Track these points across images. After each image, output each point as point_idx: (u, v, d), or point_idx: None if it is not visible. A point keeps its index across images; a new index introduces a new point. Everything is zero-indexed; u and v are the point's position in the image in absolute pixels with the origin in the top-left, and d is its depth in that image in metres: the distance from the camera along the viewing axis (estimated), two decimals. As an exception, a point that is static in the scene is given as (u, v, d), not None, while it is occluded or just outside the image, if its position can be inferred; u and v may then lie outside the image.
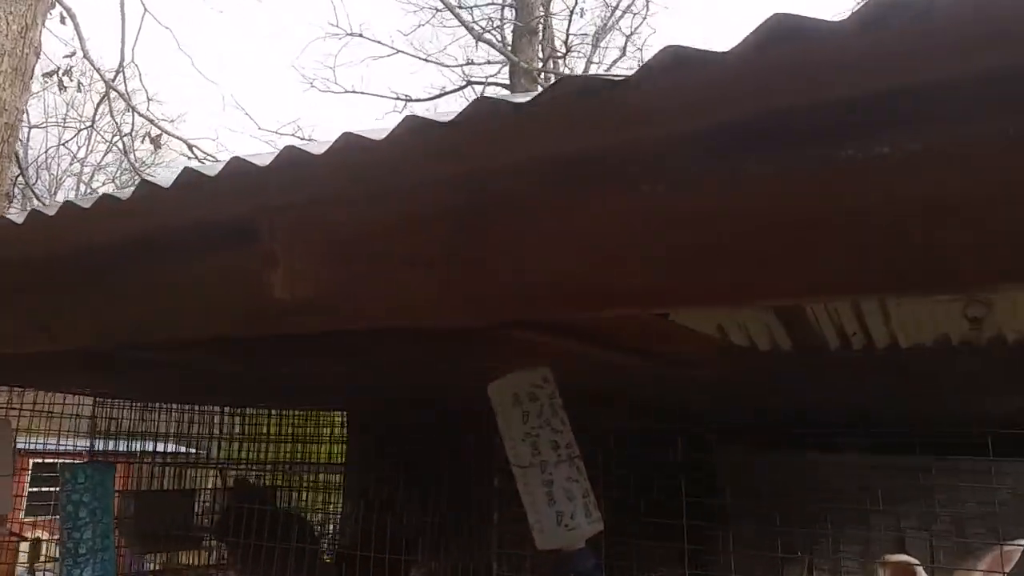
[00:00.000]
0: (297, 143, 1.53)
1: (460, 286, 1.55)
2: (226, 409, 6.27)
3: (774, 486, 4.27)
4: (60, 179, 23.24)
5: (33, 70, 6.92)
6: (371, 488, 5.33)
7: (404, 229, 1.64)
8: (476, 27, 14.70)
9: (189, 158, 11.37)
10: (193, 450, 6.27)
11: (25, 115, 6.91)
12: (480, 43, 15.41)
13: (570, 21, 15.27)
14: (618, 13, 15.21)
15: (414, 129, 1.30)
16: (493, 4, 15.70)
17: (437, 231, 1.59)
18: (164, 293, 2.12)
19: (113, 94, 10.61)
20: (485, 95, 1.24)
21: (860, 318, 2.66)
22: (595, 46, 15.64)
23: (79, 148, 22.66)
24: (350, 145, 1.39)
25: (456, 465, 4.81)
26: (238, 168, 1.55)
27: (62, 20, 9.03)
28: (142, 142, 11.26)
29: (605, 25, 15.48)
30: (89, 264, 2.24)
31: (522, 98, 1.20)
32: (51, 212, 1.91)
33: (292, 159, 1.48)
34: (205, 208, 1.79)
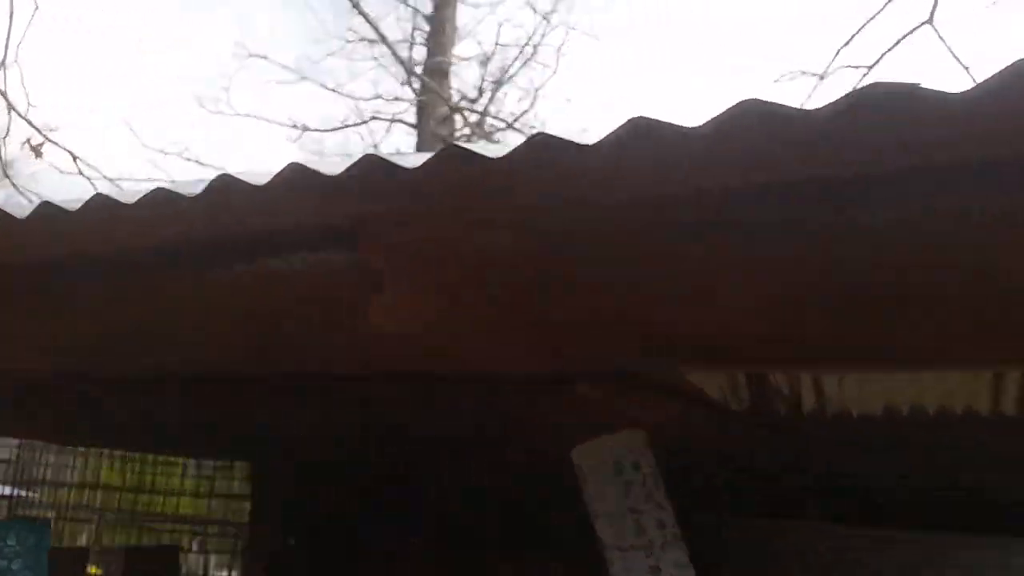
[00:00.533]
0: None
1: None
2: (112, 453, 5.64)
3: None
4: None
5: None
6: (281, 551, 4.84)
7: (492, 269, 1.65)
8: (402, 60, 14.35)
9: (64, 172, 10.52)
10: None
11: None
12: (390, 77, 15.11)
13: (487, 66, 15.17)
14: (519, 62, 15.19)
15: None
16: (404, 41, 15.46)
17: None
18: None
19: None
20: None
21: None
22: (496, 91, 15.55)
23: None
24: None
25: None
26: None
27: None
28: (21, 149, 10.31)
29: (506, 72, 15.43)
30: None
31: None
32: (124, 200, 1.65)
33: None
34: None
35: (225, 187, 1.51)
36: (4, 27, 10.50)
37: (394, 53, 14.95)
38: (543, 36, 14.84)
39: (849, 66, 8.13)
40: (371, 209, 1.59)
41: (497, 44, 15.25)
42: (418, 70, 15.31)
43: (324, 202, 1.56)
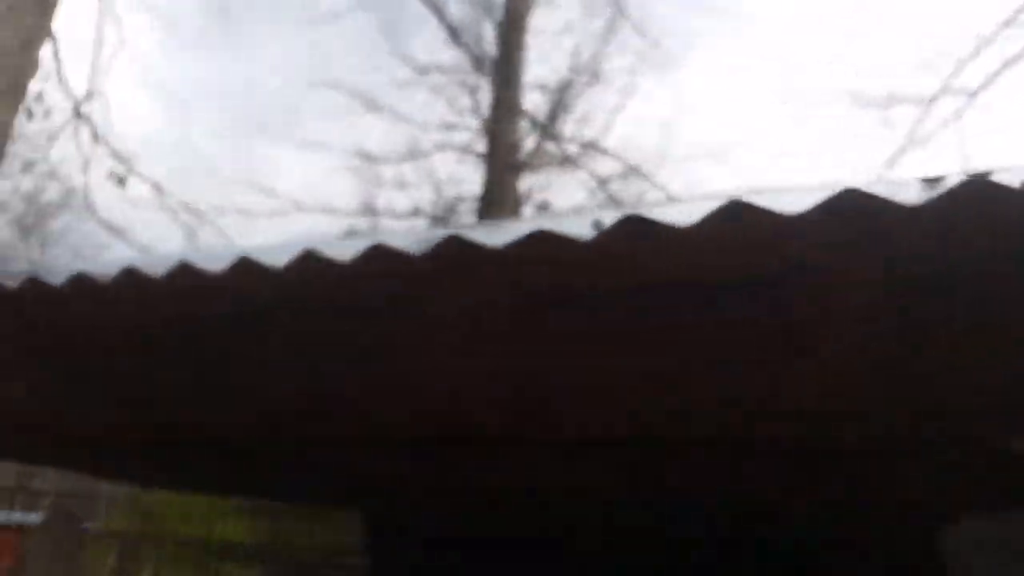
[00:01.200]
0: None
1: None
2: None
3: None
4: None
5: (27, 88, 6.08)
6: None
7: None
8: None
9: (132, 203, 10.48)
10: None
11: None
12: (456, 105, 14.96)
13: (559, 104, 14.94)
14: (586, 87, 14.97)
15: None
16: (472, 70, 15.30)
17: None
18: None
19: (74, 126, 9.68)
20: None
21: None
22: (563, 117, 15.31)
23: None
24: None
25: None
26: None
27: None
28: (107, 180, 10.28)
29: (573, 97, 15.21)
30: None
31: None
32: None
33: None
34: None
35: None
36: (91, 58, 10.47)
37: (478, 68, 14.79)
38: (607, 60, 14.68)
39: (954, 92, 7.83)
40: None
41: (569, 71, 15.07)
42: (487, 98, 15.16)
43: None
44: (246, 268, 1.66)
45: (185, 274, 1.70)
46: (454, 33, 14.39)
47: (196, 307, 1.88)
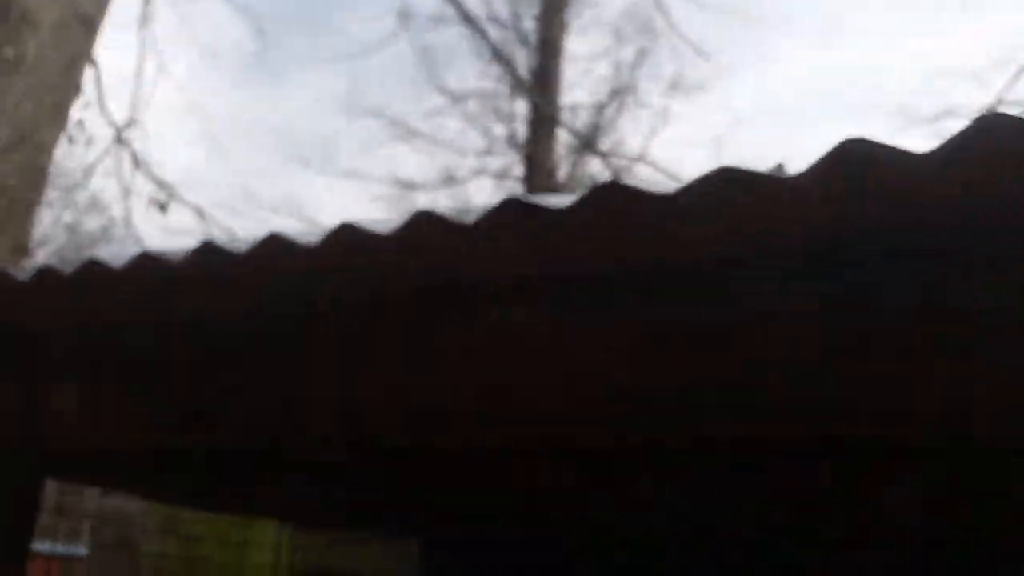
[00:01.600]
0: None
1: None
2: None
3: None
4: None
5: (70, 109, 6.02)
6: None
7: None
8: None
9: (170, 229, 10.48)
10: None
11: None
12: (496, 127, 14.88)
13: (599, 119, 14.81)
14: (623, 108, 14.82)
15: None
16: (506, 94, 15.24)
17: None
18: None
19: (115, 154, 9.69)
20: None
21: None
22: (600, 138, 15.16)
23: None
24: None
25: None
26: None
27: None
28: (147, 208, 10.27)
29: (609, 118, 15.06)
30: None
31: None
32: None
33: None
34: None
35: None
36: (131, 88, 10.52)
37: (515, 92, 14.71)
38: (643, 82, 14.55)
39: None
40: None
41: (606, 94, 14.97)
42: (523, 124, 15.07)
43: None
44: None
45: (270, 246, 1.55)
46: (496, 52, 14.32)
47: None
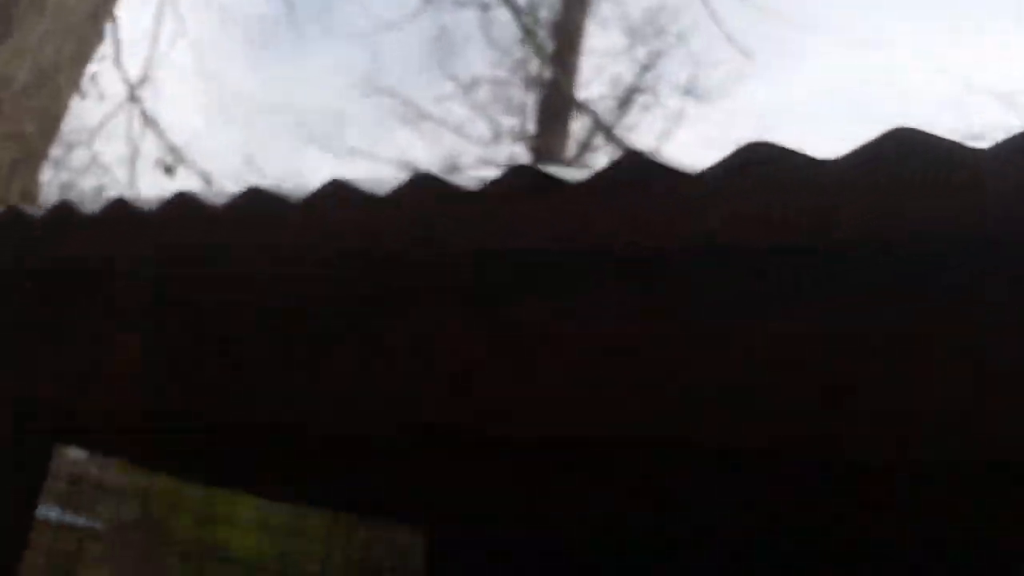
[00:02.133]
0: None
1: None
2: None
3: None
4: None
5: (89, 60, 5.98)
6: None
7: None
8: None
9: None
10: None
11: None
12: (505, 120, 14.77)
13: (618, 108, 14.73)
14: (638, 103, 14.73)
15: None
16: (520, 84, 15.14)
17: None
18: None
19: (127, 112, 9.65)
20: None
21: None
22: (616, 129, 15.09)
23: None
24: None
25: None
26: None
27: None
28: (152, 170, 10.25)
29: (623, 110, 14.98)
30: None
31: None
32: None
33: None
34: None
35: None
36: (147, 47, 10.42)
37: (537, 81, 14.63)
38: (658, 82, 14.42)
39: None
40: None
41: (620, 90, 14.88)
42: (533, 115, 14.98)
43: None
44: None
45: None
46: (524, 30, 14.23)
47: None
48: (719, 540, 3.32)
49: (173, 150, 10.19)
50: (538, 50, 13.92)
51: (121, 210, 1.78)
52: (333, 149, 17.54)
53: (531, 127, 14.64)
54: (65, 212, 1.82)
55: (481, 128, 15.30)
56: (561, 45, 13.93)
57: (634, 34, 15.32)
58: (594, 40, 15.66)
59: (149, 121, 9.81)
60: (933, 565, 2.81)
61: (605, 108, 14.41)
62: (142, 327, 2.11)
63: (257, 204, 1.62)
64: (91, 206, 1.85)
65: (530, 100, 14.73)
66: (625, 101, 14.39)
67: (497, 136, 15.33)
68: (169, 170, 9.85)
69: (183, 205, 1.69)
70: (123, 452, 3.57)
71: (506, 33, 14.29)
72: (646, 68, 14.25)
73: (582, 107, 14.02)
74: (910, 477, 2.24)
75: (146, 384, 2.17)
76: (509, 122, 14.93)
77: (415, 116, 15.05)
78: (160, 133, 10.17)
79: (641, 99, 14.59)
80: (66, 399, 2.24)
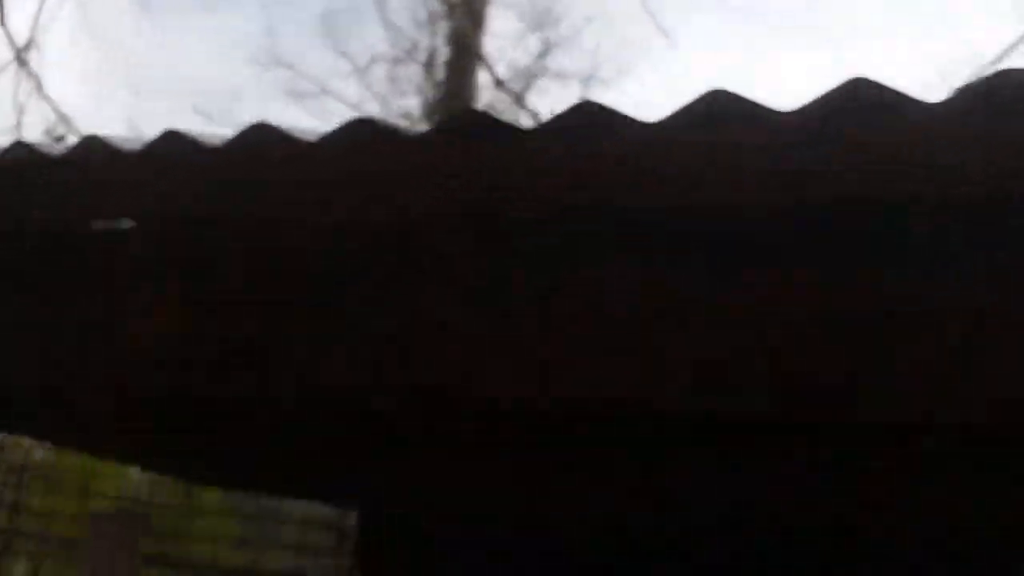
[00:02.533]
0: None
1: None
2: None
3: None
4: None
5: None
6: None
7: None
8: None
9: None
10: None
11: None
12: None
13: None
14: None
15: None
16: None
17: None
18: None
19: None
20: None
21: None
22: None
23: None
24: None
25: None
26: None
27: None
28: (44, 135, 9.54)
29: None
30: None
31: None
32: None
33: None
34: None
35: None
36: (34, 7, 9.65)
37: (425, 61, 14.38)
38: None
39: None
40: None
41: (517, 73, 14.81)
42: (431, 90, 14.74)
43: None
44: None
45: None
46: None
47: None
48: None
49: (62, 118, 9.48)
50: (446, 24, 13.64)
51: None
52: (226, 123, 16.67)
53: (427, 108, 14.36)
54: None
55: (375, 108, 14.93)
56: (464, 27, 13.69)
57: (531, 20, 15.22)
58: (497, 23, 15.56)
59: (36, 87, 9.09)
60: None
61: (507, 90, 14.23)
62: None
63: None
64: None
65: (423, 79, 14.43)
66: (525, 85, 14.25)
67: (391, 115, 14.98)
68: (59, 140, 9.19)
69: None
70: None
71: (402, 13, 13.98)
72: (545, 52, 14.19)
73: (499, 83, 13.83)
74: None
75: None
76: (404, 102, 14.62)
77: (309, 92, 14.54)
78: (48, 100, 9.43)
79: (541, 83, 14.52)
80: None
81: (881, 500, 2.72)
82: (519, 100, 13.83)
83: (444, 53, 13.95)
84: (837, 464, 2.31)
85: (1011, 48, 7.72)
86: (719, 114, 1.13)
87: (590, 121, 1.21)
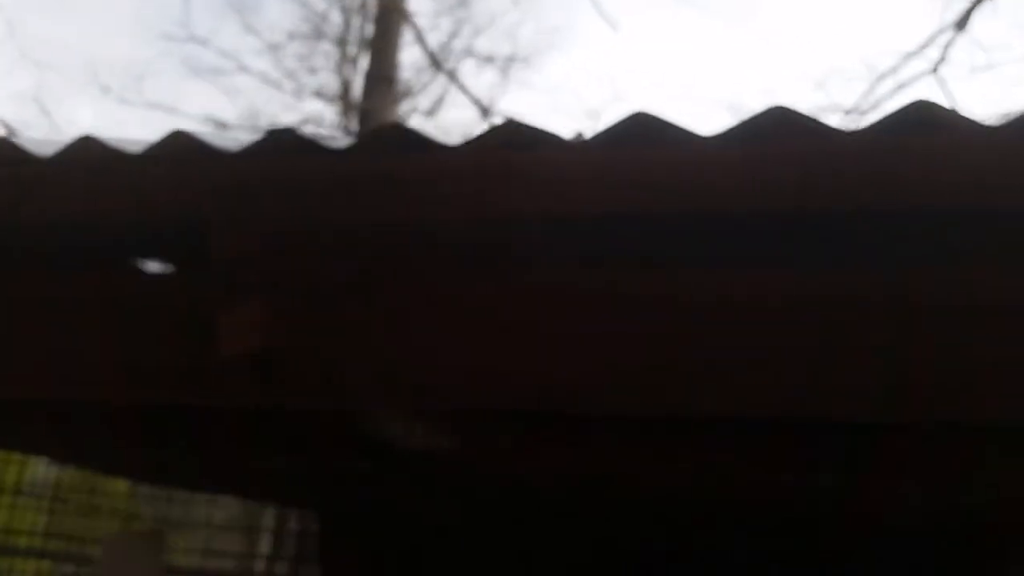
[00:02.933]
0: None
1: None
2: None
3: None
4: None
5: None
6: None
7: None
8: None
9: None
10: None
11: None
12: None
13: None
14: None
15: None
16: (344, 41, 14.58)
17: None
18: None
19: None
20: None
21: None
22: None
23: None
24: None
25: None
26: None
27: None
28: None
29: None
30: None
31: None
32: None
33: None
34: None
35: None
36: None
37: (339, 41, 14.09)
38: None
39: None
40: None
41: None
42: (362, 75, 14.46)
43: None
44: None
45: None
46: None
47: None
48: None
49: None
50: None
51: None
52: (132, 102, 16.14)
53: (340, 87, 14.05)
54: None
55: (286, 85, 14.58)
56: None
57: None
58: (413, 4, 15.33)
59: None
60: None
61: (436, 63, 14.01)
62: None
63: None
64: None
65: (336, 57, 14.12)
66: (435, 68, 14.02)
67: (301, 92, 14.65)
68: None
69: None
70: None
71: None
72: (453, 36, 14.01)
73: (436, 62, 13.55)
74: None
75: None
76: (314, 80, 14.31)
77: (217, 69, 14.10)
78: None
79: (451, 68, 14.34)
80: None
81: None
82: (451, 77, 13.64)
83: (368, 29, 13.66)
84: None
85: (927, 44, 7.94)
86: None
87: (507, 141, 1.27)
